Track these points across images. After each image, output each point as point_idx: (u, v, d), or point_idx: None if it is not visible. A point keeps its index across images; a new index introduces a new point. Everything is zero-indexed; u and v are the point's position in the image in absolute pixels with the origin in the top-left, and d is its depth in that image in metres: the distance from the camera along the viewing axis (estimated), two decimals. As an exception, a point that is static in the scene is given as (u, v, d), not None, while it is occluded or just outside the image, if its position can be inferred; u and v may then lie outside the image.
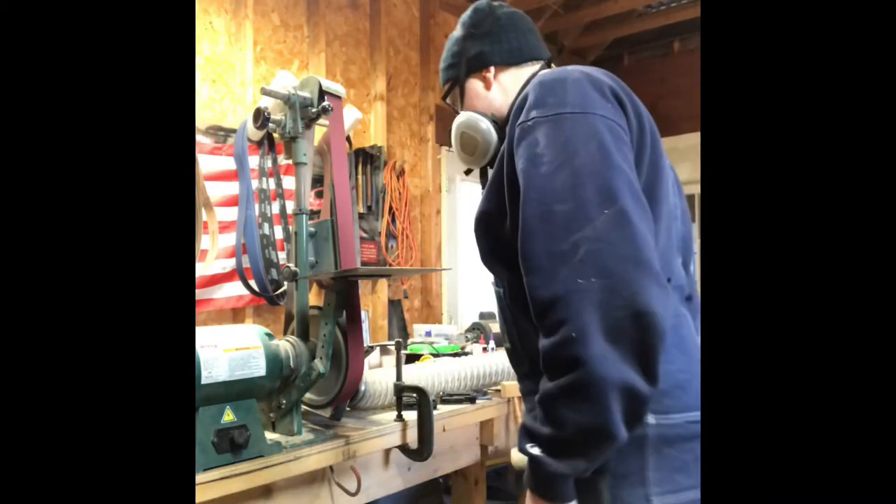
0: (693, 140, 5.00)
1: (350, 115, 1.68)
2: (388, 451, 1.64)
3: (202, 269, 2.31)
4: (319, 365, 1.42)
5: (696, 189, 5.07)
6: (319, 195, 2.84)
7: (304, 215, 1.50)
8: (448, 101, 1.22)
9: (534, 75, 1.10)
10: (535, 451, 0.81)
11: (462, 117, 1.16)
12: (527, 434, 0.83)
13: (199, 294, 2.51)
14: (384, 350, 2.21)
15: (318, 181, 2.71)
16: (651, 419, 0.87)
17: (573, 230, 0.80)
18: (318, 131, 1.60)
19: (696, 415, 0.89)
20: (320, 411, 1.64)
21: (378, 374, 1.71)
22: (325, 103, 1.48)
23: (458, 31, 1.19)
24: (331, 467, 1.49)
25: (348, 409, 1.66)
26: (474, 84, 1.15)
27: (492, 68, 1.13)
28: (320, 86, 1.51)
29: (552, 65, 1.18)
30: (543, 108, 0.89)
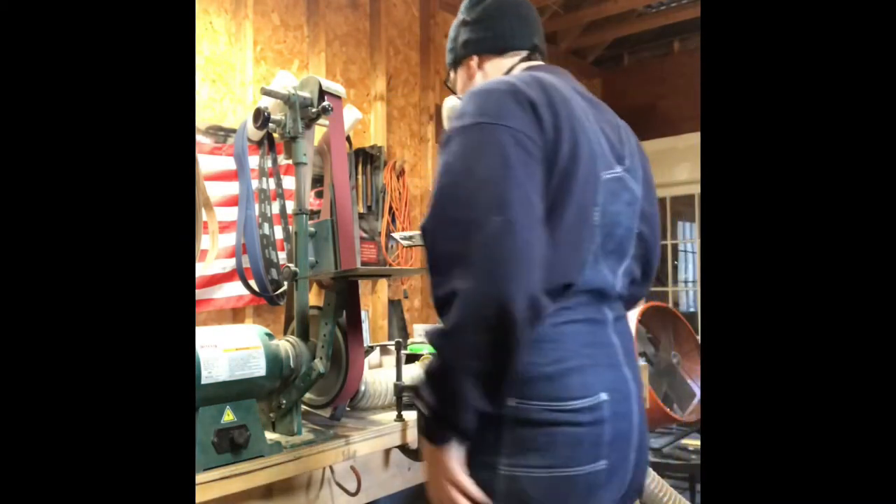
0: (693, 140, 4.99)
1: (350, 115, 1.68)
2: (388, 451, 1.64)
3: (202, 269, 2.31)
4: (319, 365, 1.41)
5: (696, 189, 5.07)
6: (319, 195, 2.84)
7: (304, 215, 1.50)
8: (449, 84, 1.28)
9: (513, 67, 1.16)
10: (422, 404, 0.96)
11: (448, 102, 1.25)
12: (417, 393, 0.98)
13: (199, 294, 2.51)
14: (384, 350, 2.21)
15: (318, 181, 2.70)
16: (511, 401, 0.96)
17: (466, 236, 0.89)
18: (318, 131, 1.60)
19: (556, 405, 0.96)
20: (320, 411, 1.64)
21: (378, 374, 1.71)
22: (325, 103, 1.48)
23: (457, 17, 1.24)
24: (331, 467, 1.49)
25: (348, 409, 1.66)
26: (464, 71, 1.21)
27: (476, 57, 1.18)
28: (320, 86, 1.51)
29: (536, 55, 1.20)
30: (463, 118, 0.97)
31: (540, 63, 1.18)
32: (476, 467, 0.98)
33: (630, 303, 1.21)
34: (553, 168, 0.97)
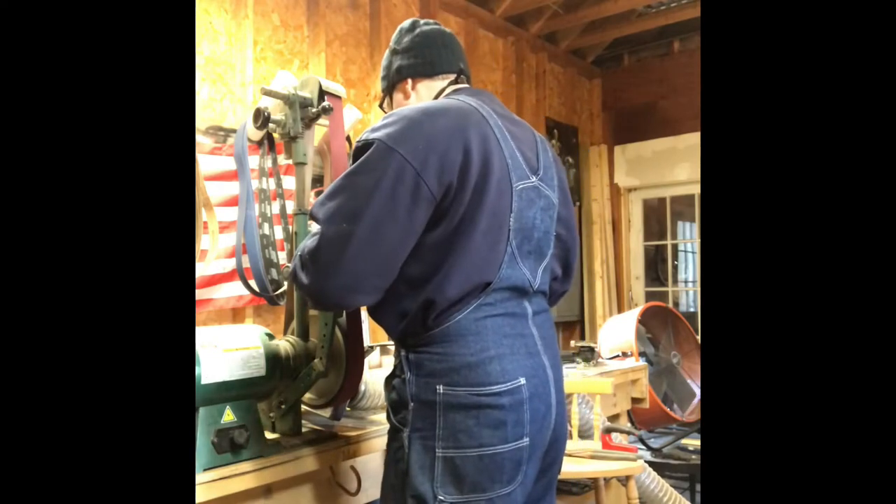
0: (693, 140, 5.00)
1: (350, 115, 1.68)
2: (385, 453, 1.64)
3: (202, 269, 2.31)
4: (319, 365, 1.41)
5: (696, 189, 5.07)
6: (319, 195, 2.84)
7: (304, 215, 1.50)
8: (384, 107, 1.43)
9: (443, 90, 1.32)
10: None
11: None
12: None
13: (199, 294, 2.51)
14: (384, 350, 2.21)
15: (318, 181, 2.71)
16: (440, 389, 1.10)
17: (319, 222, 1.10)
18: (319, 131, 1.60)
19: (479, 389, 1.09)
20: (320, 411, 1.64)
21: (378, 374, 1.70)
22: (326, 103, 1.48)
23: (388, 49, 1.42)
24: (331, 467, 1.49)
25: (348, 409, 1.66)
26: (398, 94, 1.37)
27: (409, 80, 1.35)
28: (320, 86, 1.51)
29: (462, 76, 1.36)
30: (375, 131, 1.13)
31: (466, 86, 1.34)
32: (419, 451, 1.11)
33: (553, 297, 1.37)
34: (465, 184, 1.10)
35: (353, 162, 1.13)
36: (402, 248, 1.10)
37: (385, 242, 1.07)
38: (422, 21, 1.39)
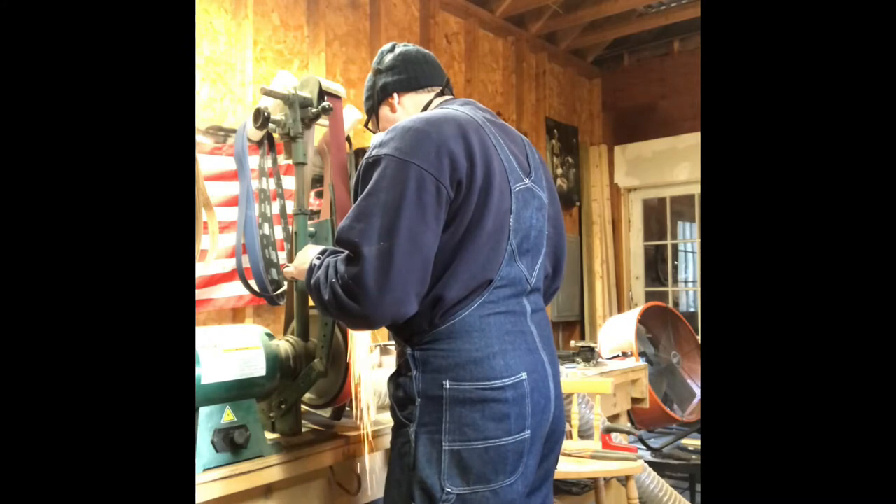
0: (693, 140, 5.00)
1: (350, 115, 1.68)
2: (388, 451, 1.64)
3: (202, 269, 2.30)
4: (319, 365, 1.42)
5: (696, 189, 5.08)
6: (319, 195, 2.84)
7: (304, 215, 1.51)
8: (370, 127, 1.45)
9: (430, 101, 1.37)
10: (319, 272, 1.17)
11: (374, 138, 1.39)
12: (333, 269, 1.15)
13: (199, 294, 2.51)
14: (384, 350, 2.21)
15: (318, 181, 2.70)
16: (447, 384, 1.13)
17: (357, 246, 1.10)
18: (319, 131, 1.60)
19: (484, 384, 1.13)
20: (320, 411, 1.64)
21: (378, 375, 1.70)
22: (325, 103, 1.48)
23: (371, 71, 1.45)
24: (331, 467, 1.49)
25: (348, 409, 1.66)
26: (384, 110, 1.40)
27: (395, 95, 1.38)
28: (320, 86, 1.51)
29: (447, 88, 1.41)
30: (382, 147, 1.15)
31: (452, 97, 1.39)
32: (425, 445, 1.14)
33: (546, 295, 1.41)
34: (472, 187, 1.15)
35: (363, 179, 1.16)
36: (433, 252, 1.13)
37: (422, 250, 1.11)
38: (400, 44, 1.45)
